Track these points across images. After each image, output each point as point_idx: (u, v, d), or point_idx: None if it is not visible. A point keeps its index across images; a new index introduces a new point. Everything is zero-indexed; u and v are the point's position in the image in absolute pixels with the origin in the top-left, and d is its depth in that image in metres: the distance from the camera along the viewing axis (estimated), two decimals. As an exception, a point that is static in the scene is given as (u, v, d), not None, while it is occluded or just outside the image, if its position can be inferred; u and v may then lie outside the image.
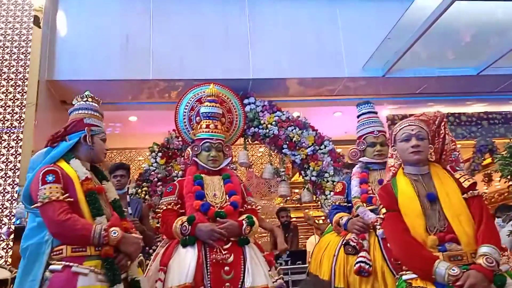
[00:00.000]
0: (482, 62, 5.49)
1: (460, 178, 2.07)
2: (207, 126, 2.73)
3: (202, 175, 2.70)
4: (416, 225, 1.94)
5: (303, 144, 5.33)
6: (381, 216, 2.09)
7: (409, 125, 2.13)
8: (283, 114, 5.46)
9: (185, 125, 2.97)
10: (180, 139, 5.17)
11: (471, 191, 2.02)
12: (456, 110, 6.52)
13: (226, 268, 2.36)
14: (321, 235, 3.03)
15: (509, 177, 3.00)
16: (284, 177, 5.56)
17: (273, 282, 2.47)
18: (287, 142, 5.33)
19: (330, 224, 2.91)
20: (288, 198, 7.78)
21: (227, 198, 2.64)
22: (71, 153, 2.15)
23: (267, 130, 5.35)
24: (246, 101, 5.45)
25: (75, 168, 2.08)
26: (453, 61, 5.59)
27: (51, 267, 1.90)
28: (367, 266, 2.44)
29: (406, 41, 4.77)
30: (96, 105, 2.32)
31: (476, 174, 6.41)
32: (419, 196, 2.01)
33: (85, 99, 2.30)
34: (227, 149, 2.83)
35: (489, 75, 5.67)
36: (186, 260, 2.35)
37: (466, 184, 2.03)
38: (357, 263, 2.46)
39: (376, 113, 3.07)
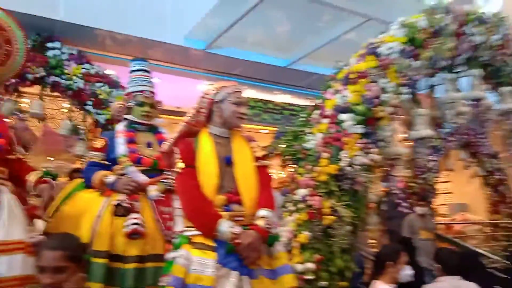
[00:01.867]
0: (293, 56, 6.01)
1: (254, 147, 2.21)
2: None
3: None
4: (209, 184, 1.99)
5: (111, 103, 4.97)
6: (177, 170, 2.08)
7: (240, 91, 2.19)
8: (92, 68, 4.99)
9: None
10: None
11: (261, 161, 2.18)
12: (265, 97, 7.03)
13: None
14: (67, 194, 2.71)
15: (288, 158, 3.24)
16: (84, 136, 5.10)
17: (31, 238, 2.16)
18: (93, 99, 4.89)
19: (82, 181, 2.69)
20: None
21: None
22: None
23: (71, 82, 4.81)
24: (50, 45, 4.84)
25: None
26: (268, 49, 5.98)
27: None
28: (142, 228, 2.36)
29: (229, 19, 4.87)
30: None
31: (273, 159, 7.05)
32: (218, 157, 2.06)
33: None
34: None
35: (297, 69, 6.26)
36: None
37: (258, 154, 2.18)
38: (130, 224, 2.35)
39: (149, 73, 2.91)
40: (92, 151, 2.70)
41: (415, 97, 3.49)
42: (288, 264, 2.00)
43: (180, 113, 4.49)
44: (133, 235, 2.34)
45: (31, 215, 2.30)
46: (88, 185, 2.58)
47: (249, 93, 6.87)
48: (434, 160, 6.43)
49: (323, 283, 2.52)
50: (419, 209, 5.29)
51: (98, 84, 4.94)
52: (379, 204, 6.37)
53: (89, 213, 2.43)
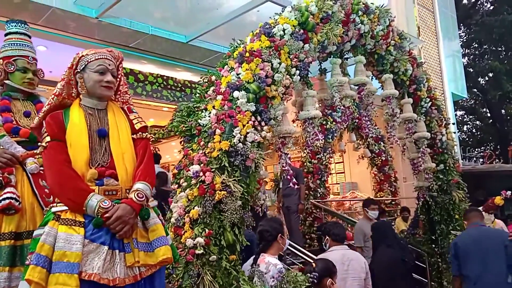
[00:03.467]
0: (191, 31, 5.91)
1: (133, 119, 2.13)
2: None
3: None
4: (79, 158, 1.91)
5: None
6: (43, 144, 1.94)
7: (106, 58, 2.05)
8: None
9: None
10: None
11: (140, 133, 2.10)
12: (166, 74, 6.86)
13: None
14: None
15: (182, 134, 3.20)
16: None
17: None
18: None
19: None
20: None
21: None
22: None
23: None
24: None
25: None
26: (168, 24, 5.81)
27: None
28: (17, 203, 2.20)
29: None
30: None
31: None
32: (90, 130, 1.96)
33: None
34: None
35: (197, 46, 6.18)
36: None
37: (138, 126, 2.11)
38: (4, 199, 2.17)
39: (30, 37, 2.73)
40: None
41: (306, 78, 3.67)
42: (164, 236, 1.98)
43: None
44: (7, 210, 2.19)
45: None
46: None
47: (149, 68, 6.65)
48: (327, 141, 6.92)
49: (213, 256, 2.57)
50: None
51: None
52: (277, 182, 6.68)
53: None
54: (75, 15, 5.08)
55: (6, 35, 2.64)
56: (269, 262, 2.69)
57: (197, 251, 2.54)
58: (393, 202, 8.22)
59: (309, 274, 2.66)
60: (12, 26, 2.64)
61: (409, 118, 4.78)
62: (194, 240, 2.55)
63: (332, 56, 4.16)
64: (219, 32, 5.90)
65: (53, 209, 1.88)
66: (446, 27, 12.98)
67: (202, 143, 2.95)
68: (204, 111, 3.14)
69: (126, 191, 1.94)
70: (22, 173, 2.35)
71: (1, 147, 2.34)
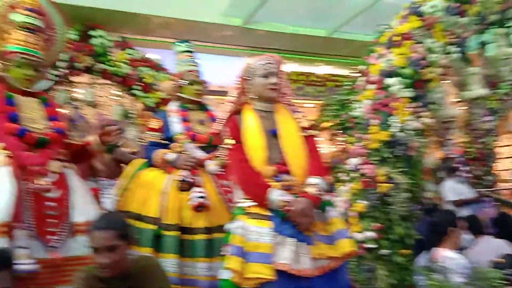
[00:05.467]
0: (332, 24, 5.86)
1: (299, 118, 2.23)
2: (24, 39, 2.29)
3: (13, 94, 2.29)
4: (257, 157, 2.06)
5: (157, 86, 5.11)
6: (227, 146, 2.15)
7: (269, 63, 2.18)
8: (137, 53, 5.12)
9: None
10: None
11: (308, 130, 2.20)
12: (307, 70, 6.93)
13: (50, 203, 2.11)
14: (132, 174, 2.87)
15: (336, 128, 3.24)
16: (133, 120, 5.29)
17: None
18: (139, 83, 5.04)
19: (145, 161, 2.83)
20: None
21: (48, 123, 2.30)
22: None
23: (117, 68, 4.97)
24: (94, 33, 4.96)
25: None
26: (308, 21, 5.86)
27: None
28: (206, 201, 2.49)
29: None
30: None
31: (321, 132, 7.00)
32: (263, 131, 2.11)
33: None
34: (44, 70, 2.43)
35: (338, 38, 6.11)
36: (0, 195, 2.00)
37: (304, 124, 2.21)
38: (195, 198, 2.48)
39: (193, 53, 3.02)
40: (150, 131, 2.83)
41: (465, 56, 3.33)
42: (344, 229, 2.03)
43: (223, 92, 4.53)
44: (199, 208, 2.48)
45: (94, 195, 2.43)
46: (150, 163, 2.72)
47: (290, 66, 6.81)
48: (491, 122, 6.14)
49: (384, 251, 2.51)
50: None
51: (142, 69, 5.07)
52: (435, 171, 6.20)
53: (155, 190, 2.58)
54: (222, 26, 5.48)
55: (176, 54, 2.99)
56: (447, 256, 2.51)
57: (367, 245, 2.51)
58: None
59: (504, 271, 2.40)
60: (179, 46, 3.00)
61: None
62: (362, 234, 2.53)
63: (493, 26, 3.69)
64: (358, 21, 5.74)
65: (241, 205, 2.06)
66: None
67: (357, 135, 2.90)
68: (355, 102, 3.09)
69: (302, 185, 2.03)
70: (206, 174, 2.64)
71: (186, 152, 2.66)
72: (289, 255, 1.85)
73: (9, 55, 2.30)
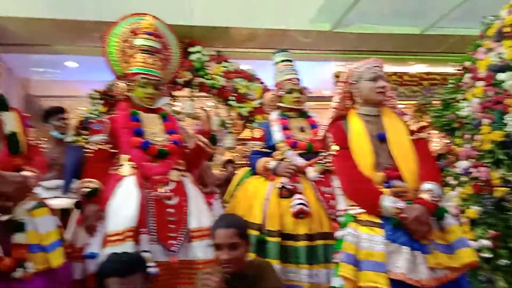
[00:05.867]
0: (426, 21, 5.59)
1: (408, 121, 2.17)
2: (144, 61, 2.55)
3: (138, 111, 2.54)
4: (365, 162, 2.01)
5: (251, 96, 5.29)
6: (332, 152, 2.13)
7: (376, 66, 2.15)
8: (231, 65, 5.35)
9: (117, 57, 2.71)
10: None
11: (417, 133, 2.12)
12: (399, 70, 6.67)
13: (170, 210, 2.28)
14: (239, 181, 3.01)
15: (441, 129, 3.08)
16: (230, 129, 5.53)
17: None
18: (234, 94, 5.26)
19: (249, 169, 2.94)
20: (235, 153, 7.78)
21: (167, 136, 2.51)
22: None
23: (214, 81, 5.24)
24: (192, 49, 5.28)
25: None
26: (399, 19, 5.65)
27: None
28: (306, 208, 2.51)
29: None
30: None
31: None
32: (369, 135, 2.07)
33: None
34: (163, 88, 2.68)
35: (432, 34, 5.80)
36: (127, 202, 2.22)
37: (413, 127, 2.13)
38: (296, 205, 2.52)
39: (291, 61, 3.08)
40: (253, 141, 2.95)
41: None
42: (464, 237, 1.91)
43: (315, 98, 4.53)
44: (300, 214, 2.52)
45: (208, 203, 2.58)
46: (254, 172, 2.84)
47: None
48: None
49: (503, 261, 2.32)
50: None
51: (237, 80, 5.27)
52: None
53: (258, 197, 2.67)
54: (310, 32, 5.50)
55: (274, 64, 3.08)
56: None
57: (483, 254, 2.35)
58: None
59: None
60: (276, 56, 3.10)
61: None
62: (477, 242, 2.36)
63: None
64: (455, 15, 5.39)
65: (351, 212, 2.03)
66: None
67: (466, 136, 2.73)
68: (462, 101, 2.92)
69: (414, 191, 1.95)
70: (306, 181, 2.67)
71: (287, 160, 2.73)
72: (405, 264, 1.78)
73: (132, 77, 2.56)
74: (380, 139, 2.06)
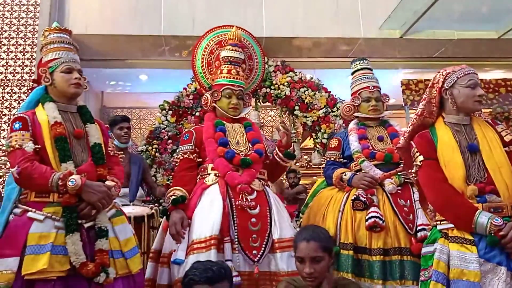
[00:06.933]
0: (503, 25, 5.29)
1: (502, 131, 2.04)
2: (229, 72, 2.61)
3: (223, 122, 2.61)
4: (456, 175, 1.91)
5: (315, 106, 5.25)
6: (418, 163, 2.03)
7: (474, 72, 2.07)
8: (296, 75, 5.35)
9: (203, 69, 2.83)
10: (191, 97, 5.13)
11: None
12: (473, 76, 6.34)
13: (253, 219, 2.29)
14: (314, 191, 2.96)
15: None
16: (295, 139, 5.51)
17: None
18: (299, 104, 5.25)
19: (325, 179, 2.88)
20: (298, 163, 7.77)
21: (250, 146, 2.56)
22: (47, 95, 2.11)
23: (279, 91, 5.26)
24: (258, 60, 5.34)
25: (48, 112, 2.03)
26: (473, 23, 5.39)
27: (14, 210, 1.92)
28: (381, 221, 2.41)
29: (425, 1, 4.61)
30: (62, 35, 2.20)
31: None
32: (460, 146, 1.97)
33: (47, 33, 2.20)
34: (247, 97, 2.73)
35: (510, 39, 5.48)
36: (211, 210, 2.28)
37: (508, 138, 2.01)
38: (370, 218, 2.43)
39: (371, 69, 3.01)
40: (329, 151, 2.91)
41: None
42: None
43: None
44: (373, 228, 2.42)
45: (290, 214, 2.55)
46: (329, 182, 2.80)
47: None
48: None
49: None
50: None
51: (302, 89, 5.26)
52: None
53: (332, 209, 2.63)
54: (380, 40, 5.40)
55: (352, 73, 3.05)
56: None
57: None
58: None
59: None
60: (354, 64, 3.06)
61: None
62: None
63: None
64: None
65: (439, 227, 1.94)
66: None
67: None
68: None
69: (511, 208, 1.83)
70: (382, 193, 2.57)
71: (363, 171, 2.66)
72: (502, 285, 1.67)
73: (218, 87, 2.64)
74: (472, 150, 1.96)
